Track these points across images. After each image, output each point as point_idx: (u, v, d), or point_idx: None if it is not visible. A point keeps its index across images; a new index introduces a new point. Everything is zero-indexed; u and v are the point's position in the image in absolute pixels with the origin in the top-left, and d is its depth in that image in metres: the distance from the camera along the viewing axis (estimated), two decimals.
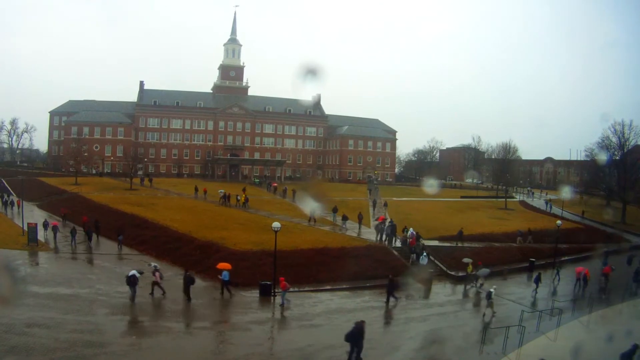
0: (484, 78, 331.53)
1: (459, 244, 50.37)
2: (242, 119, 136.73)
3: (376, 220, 54.14)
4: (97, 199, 68.01)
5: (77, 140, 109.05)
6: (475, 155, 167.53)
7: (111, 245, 48.42)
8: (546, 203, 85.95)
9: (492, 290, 32.78)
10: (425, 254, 43.25)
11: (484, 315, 32.29)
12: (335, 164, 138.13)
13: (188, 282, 32.27)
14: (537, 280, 40.32)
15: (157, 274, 32.55)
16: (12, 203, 66.68)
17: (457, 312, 34.83)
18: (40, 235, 48.07)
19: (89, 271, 38.44)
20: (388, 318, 32.72)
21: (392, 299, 34.41)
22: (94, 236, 50.04)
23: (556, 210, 79.90)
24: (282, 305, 32.11)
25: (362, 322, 23.39)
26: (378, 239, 48.90)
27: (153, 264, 35.97)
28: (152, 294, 32.20)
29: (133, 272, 31.44)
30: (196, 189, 79.92)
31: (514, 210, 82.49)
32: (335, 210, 59.24)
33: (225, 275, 34.34)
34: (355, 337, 22.57)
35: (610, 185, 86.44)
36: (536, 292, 39.24)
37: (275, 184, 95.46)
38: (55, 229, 48.89)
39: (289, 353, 24.89)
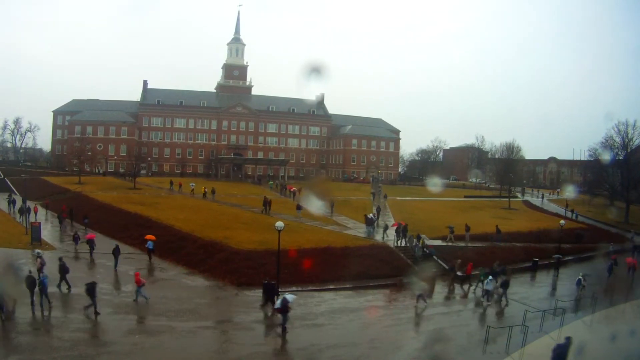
0: (488, 78, 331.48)
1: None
2: (245, 119, 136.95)
3: (392, 225, 51.76)
4: (101, 198, 68.03)
5: (81, 139, 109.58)
6: (479, 155, 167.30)
7: (79, 227, 53.11)
8: (572, 212, 77.88)
9: (580, 277, 38.43)
10: (490, 278, 36.23)
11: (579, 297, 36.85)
12: (339, 164, 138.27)
13: (63, 271, 31.96)
14: (610, 269, 43.36)
15: (39, 260, 32.66)
16: (28, 210, 55.87)
17: (460, 312, 34.82)
18: (67, 247, 45.92)
19: (93, 270, 38.45)
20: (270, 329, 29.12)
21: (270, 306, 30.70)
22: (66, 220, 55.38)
23: (585, 219, 75.56)
24: (135, 301, 30.74)
25: (569, 338, 22.02)
26: (398, 243, 47.89)
27: (37, 250, 36.77)
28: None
29: (290, 297, 27.56)
30: (171, 183, 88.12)
31: (517, 210, 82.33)
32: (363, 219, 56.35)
33: (149, 245, 42.20)
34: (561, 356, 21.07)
35: (614, 185, 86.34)
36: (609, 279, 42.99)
37: (294, 188, 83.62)
38: (91, 243, 42.76)
39: (292, 352, 24.92)
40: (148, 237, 43.21)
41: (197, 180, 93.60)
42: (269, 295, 31.26)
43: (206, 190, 77.40)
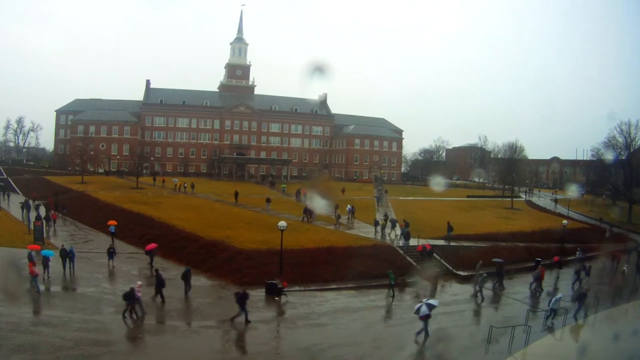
0: (491, 78, 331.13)
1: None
2: (248, 118, 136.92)
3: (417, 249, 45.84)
4: (103, 198, 68.17)
5: (84, 139, 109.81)
6: (482, 154, 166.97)
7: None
8: (601, 221, 72.35)
9: (624, 268, 42.37)
10: (560, 295, 31.45)
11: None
12: (342, 163, 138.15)
13: None
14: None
15: None
16: (47, 219, 52.79)
17: (463, 312, 34.74)
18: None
19: (95, 270, 38.47)
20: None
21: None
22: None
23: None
24: (37, 291, 30.61)
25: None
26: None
27: None
28: None
29: (432, 303, 27.46)
30: (154, 179, 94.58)
31: (520, 210, 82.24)
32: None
33: (112, 228, 48.63)
34: None
35: (616, 185, 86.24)
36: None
37: None
38: (151, 254, 40.21)
39: (295, 352, 24.89)
40: (110, 222, 49.68)
41: (200, 180, 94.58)
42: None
43: (185, 185, 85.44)
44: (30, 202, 61.33)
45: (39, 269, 32.33)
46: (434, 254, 45.19)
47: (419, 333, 26.63)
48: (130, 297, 26.73)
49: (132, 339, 25.31)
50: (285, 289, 33.92)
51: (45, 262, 33.66)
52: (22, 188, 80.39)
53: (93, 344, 22.99)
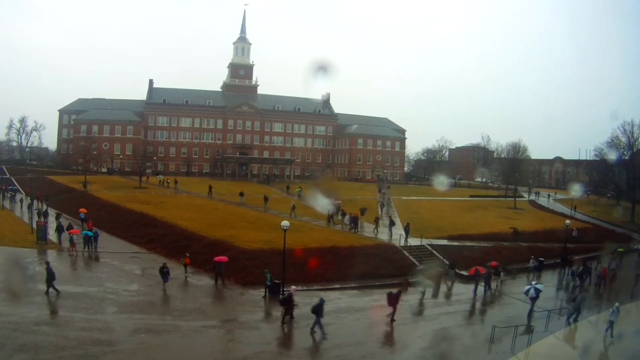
0: (494, 78, 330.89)
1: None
2: (251, 118, 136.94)
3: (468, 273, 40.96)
4: (106, 197, 68.11)
5: (86, 138, 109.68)
6: (485, 154, 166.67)
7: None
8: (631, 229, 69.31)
9: None
10: (617, 304, 28.68)
11: None
12: (345, 163, 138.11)
13: None
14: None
15: None
16: (70, 227, 47.03)
17: (465, 311, 34.72)
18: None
19: (98, 269, 38.50)
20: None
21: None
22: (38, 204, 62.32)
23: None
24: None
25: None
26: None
27: None
28: None
29: (539, 287, 32.65)
30: (141, 176, 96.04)
31: (523, 209, 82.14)
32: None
33: (82, 215, 53.19)
34: None
35: (619, 185, 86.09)
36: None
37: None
38: (220, 267, 36.51)
39: (297, 352, 24.89)
40: (81, 210, 54.64)
41: (203, 180, 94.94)
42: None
43: (169, 181, 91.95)
44: (51, 211, 60.80)
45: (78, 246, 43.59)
46: (436, 252, 45.23)
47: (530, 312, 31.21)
48: (286, 302, 28.58)
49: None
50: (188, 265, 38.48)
51: (87, 239, 44.25)
52: (24, 187, 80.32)
53: (96, 344, 22.98)
